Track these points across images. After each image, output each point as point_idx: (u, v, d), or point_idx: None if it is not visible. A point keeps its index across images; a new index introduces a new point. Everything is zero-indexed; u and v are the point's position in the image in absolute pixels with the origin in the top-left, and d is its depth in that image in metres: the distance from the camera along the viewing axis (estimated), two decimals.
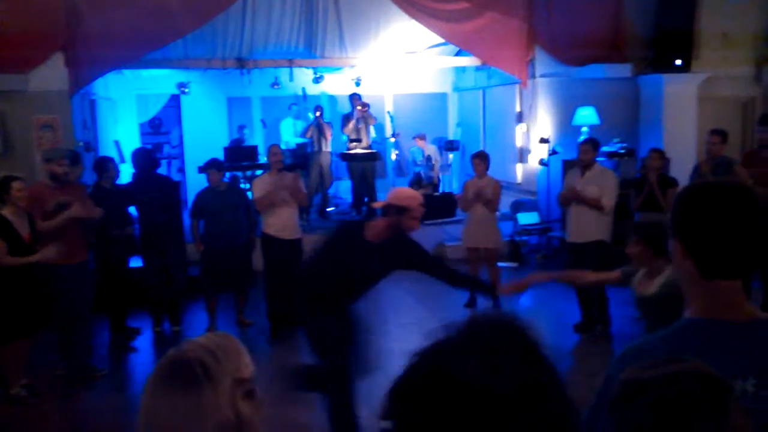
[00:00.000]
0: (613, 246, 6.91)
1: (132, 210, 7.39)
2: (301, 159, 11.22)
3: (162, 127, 14.79)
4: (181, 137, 13.62)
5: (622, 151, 9.97)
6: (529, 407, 0.84)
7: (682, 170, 7.99)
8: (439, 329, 0.94)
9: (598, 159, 7.23)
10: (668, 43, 10.15)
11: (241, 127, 12.51)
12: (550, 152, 10.14)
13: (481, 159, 7.88)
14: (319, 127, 11.27)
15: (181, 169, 13.58)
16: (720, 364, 1.52)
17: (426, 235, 10.52)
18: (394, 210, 4.18)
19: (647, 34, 10.44)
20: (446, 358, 0.88)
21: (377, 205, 4.42)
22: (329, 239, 4.44)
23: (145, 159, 7.29)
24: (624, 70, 10.38)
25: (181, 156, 13.66)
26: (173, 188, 7.82)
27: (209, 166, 7.27)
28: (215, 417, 1.38)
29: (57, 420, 5.57)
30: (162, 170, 14.80)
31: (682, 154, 9.20)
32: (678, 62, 10.08)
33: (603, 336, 6.86)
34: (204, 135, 12.38)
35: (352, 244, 4.30)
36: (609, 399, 1.05)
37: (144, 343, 7.31)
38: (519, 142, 11.14)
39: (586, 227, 6.76)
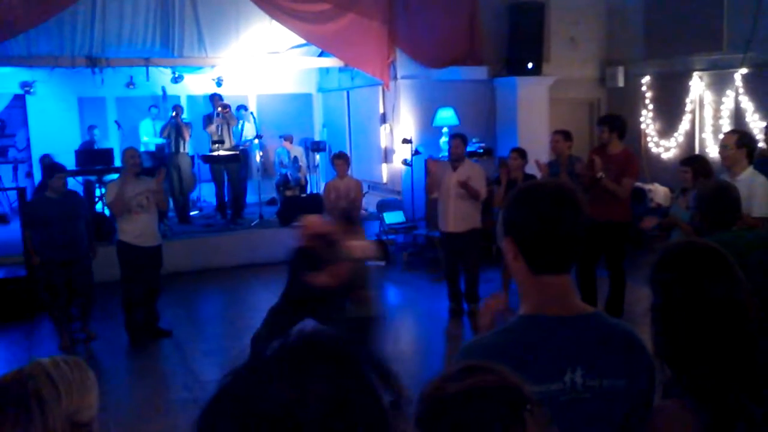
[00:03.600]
0: None
1: None
2: (160, 161, 10.78)
3: (6, 129, 13.75)
4: (28, 140, 12.73)
5: (481, 150, 10.35)
6: (336, 427, 0.82)
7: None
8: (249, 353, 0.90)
9: None
10: (521, 46, 10.63)
11: (91, 128, 11.83)
12: (413, 152, 10.35)
13: (343, 160, 7.92)
14: (176, 127, 10.87)
15: (30, 174, 12.69)
16: (551, 357, 1.59)
17: (294, 237, 10.45)
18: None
19: (501, 37, 10.89)
20: (252, 382, 0.84)
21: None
22: None
23: None
24: (480, 72, 10.78)
25: (28, 160, 12.76)
26: None
27: (57, 171, 6.80)
28: None
29: None
30: (7, 175, 13.82)
31: (536, 153, 9.61)
32: (530, 65, 10.57)
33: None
34: (54, 137, 11.62)
35: None
36: (415, 416, 1.05)
37: None
38: (383, 143, 11.29)
39: (465, 217, 7.31)
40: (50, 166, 7.06)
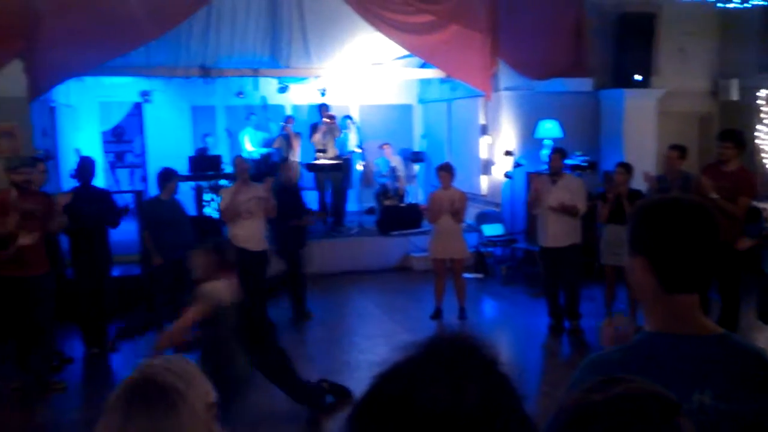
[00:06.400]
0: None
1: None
2: (265, 169, 11.14)
3: (125, 135, 14.60)
4: (144, 146, 13.46)
5: (585, 164, 10.11)
6: (489, 428, 0.84)
7: (642, 183, 8.15)
8: (399, 351, 0.92)
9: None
10: (628, 58, 10.35)
11: (204, 136, 12.39)
12: (515, 164, 10.25)
13: (447, 171, 7.94)
14: (287, 137, 11.24)
15: (145, 178, 13.41)
16: (677, 376, 1.56)
17: (392, 246, 10.57)
18: None
19: (608, 48, 10.63)
20: (408, 382, 0.87)
21: None
22: None
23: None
24: (585, 84, 10.57)
25: (143, 165, 13.49)
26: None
27: (172, 177, 7.19)
28: None
29: None
30: (125, 179, 14.65)
31: (642, 168, 9.35)
32: (638, 77, 10.28)
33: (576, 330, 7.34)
34: (168, 144, 12.24)
35: None
36: (556, 426, 1.01)
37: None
38: (483, 155, 11.23)
39: (565, 232, 7.21)
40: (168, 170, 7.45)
